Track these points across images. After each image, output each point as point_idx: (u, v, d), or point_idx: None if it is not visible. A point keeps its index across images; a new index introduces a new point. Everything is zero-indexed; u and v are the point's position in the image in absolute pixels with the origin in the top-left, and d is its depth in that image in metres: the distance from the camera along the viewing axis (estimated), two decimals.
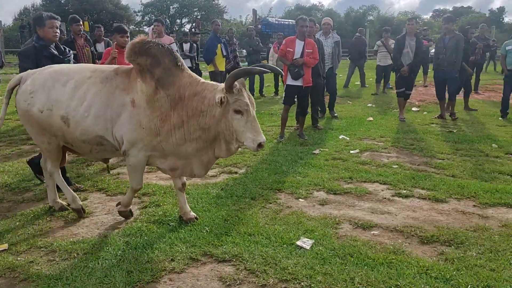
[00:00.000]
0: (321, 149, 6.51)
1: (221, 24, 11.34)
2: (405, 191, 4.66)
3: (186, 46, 11.21)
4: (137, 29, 41.27)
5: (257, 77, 13.29)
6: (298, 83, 6.96)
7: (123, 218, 3.96)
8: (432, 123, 8.75)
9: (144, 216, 3.99)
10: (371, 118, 9.13)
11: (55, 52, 4.48)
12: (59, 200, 4.24)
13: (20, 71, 4.27)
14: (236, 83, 3.21)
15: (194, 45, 11.62)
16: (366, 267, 3.07)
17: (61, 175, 4.09)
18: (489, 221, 3.91)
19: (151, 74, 3.39)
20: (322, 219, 3.94)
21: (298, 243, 3.43)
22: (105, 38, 9.25)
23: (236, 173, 5.39)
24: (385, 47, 12.92)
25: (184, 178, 3.88)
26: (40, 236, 3.65)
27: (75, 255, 3.29)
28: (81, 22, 7.25)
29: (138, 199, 4.49)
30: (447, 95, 9.20)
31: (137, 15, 46.22)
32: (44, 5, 37.86)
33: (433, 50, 16.91)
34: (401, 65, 8.60)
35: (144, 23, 44.59)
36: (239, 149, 3.68)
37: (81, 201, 4.40)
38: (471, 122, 8.84)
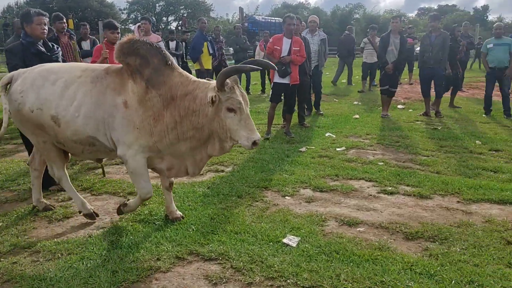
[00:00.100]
0: (308, 147, 6.53)
1: (207, 22, 11.30)
2: (390, 188, 4.70)
3: (172, 44, 11.15)
4: (123, 27, 40.92)
5: (243, 74, 13.28)
6: (285, 81, 6.97)
7: (111, 219, 3.93)
8: (417, 121, 8.84)
9: (130, 216, 3.95)
10: (357, 116, 9.19)
11: (43, 49, 4.42)
12: (43, 200, 4.18)
13: (9, 69, 4.20)
14: (228, 80, 3.17)
15: (180, 43, 11.58)
16: (351, 264, 3.09)
17: (69, 180, 3.95)
18: (472, 217, 3.96)
19: (141, 74, 3.35)
20: (308, 217, 3.95)
21: (284, 240, 3.43)
22: (90, 36, 9.14)
23: (222, 171, 5.38)
24: (372, 45, 13.02)
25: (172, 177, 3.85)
26: (23, 236, 3.60)
27: (59, 256, 3.26)
28: (64, 20, 7.15)
29: (123, 198, 4.45)
30: (432, 93, 9.30)
31: (122, 13, 45.87)
32: (28, 3, 37.35)
33: (418, 48, 17.11)
34: (386, 63, 8.69)
35: (129, 21, 44.26)
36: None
37: (66, 200, 4.37)
38: (455, 119, 8.94)
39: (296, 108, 7.99)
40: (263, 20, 34.96)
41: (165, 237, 3.51)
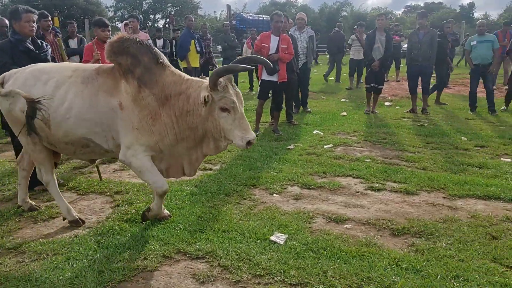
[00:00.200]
0: (296, 144, 6.54)
1: (194, 20, 11.25)
2: (377, 185, 4.73)
3: (160, 42, 11.08)
4: (109, 25, 40.48)
5: None
6: (273, 78, 6.98)
7: (97, 219, 3.89)
8: (404, 117, 8.91)
9: (117, 215, 3.93)
10: (344, 113, 9.23)
11: (31, 47, 4.35)
12: (29, 200, 4.13)
13: None
14: (221, 79, 3.12)
15: (168, 41, 11.51)
16: (338, 260, 3.10)
17: (57, 185, 3.87)
18: (458, 213, 4.00)
19: (132, 73, 3.30)
20: (296, 214, 3.96)
21: (272, 238, 3.43)
22: (78, 34, 9.06)
23: (210, 169, 5.36)
24: (359, 42, 13.07)
25: None
26: (8, 237, 3.56)
27: (45, 256, 3.22)
28: (49, 18, 7.06)
29: (110, 197, 4.43)
30: (419, 90, 9.38)
31: (109, 10, 45.44)
32: (13, 0, 36.81)
33: (405, 46, 17.23)
34: (372, 60, 8.76)
35: (116, 18, 43.86)
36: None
37: (52, 200, 4.32)
38: (441, 116, 9.03)
39: (284, 105, 8.01)
40: (250, 17, 34.95)
41: (152, 236, 3.49)
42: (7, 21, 4.32)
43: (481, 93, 9.94)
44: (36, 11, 4.46)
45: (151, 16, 48.26)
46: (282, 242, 3.37)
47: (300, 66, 8.84)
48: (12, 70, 3.73)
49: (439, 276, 2.89)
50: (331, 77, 15.83)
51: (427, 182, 4.77)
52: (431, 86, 10.24)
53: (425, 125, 8.02)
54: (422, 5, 62.76)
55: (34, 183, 4.44)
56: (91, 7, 38.69)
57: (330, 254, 3.19)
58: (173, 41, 11.27)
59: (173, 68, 3.45)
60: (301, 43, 8.90)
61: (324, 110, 9.75)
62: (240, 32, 27.90)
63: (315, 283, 2.83)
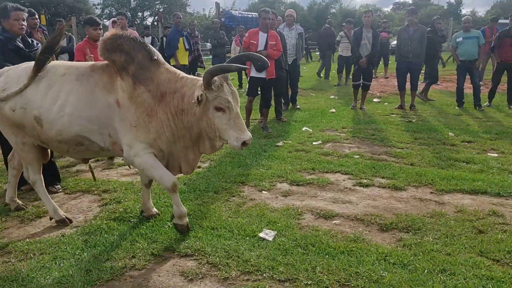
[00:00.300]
0: (285, 141, 6.55)
1: (183, 18, 11.19)
2: (365, 181, 4.75)
3: (148, 40, 11.03)
4: (101, 23, 40.13)
5: None
6: (262, 75, 6.98)
7: (84, 218, 3.86)
8: (393, 114, 8.96)
9: (104, 214, 3.90)
10: (333, 110, 9.25)
11: (21, 45, 4.28)
12: (17, 200, 4.08)
13: None
14: (216, 78, 3.04)
15: (156, 38, 11.46)
16: (327, 256, 3.12)
17: (43, 185, 3.81)
18: (445, 207, 4.04)
19: (126, 70, 3.25)
20: (285, 210, 3.97)
21: (261, 235, 3.44)
22: (66, 33, 8.97)
23: (199, 167, 5.34)
24: (347, 38, 13.13)
25: None
26: None
27: (32, 256, 3.19)
28: (37, 16, 6.97)
29: (98, 196, 4.40)
30: (408, 86, 9.45)
31: (96, 8, 44.94)
32: None
33: (393, 42, 17.32)
34: (360, 57, 8.81)
35: (104, 16, 43.45)
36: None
37: (38, 200, 4.27)
38: (429, 112, 9.09)
39: (273, 102, 8.01)
40: (239, 15, 34.85)
41: (140, 234, 3.48)
42: None
43: (468, 89, 10.03)
44: (25, 9, 4.39)
45: (139, 14, 47.87)
46: (270, 239, 3.38)
47: (289, 63, 8.86)
48: (5, 68, 3.67)
49: (426, 270, 2.92)
50: (322, 74, 15.86)
51: (415, 178, 4.80)
52: (421, 82, 10.34)
53: (413, 121, 8.07)
54: (410, 2, 62.99)
55: (21, 182, 4.38)
56: (78, 5, 38.23)
57: (319, 250, 3.20)
58: (164, 39, 11.22)
59: (168, 65, 3.40)
60: (291, 40, 8.91)
61: (313, 107, 9.77)
62: (229, 29, 27.81)
63: (304, 279, 2.84)
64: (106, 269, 2.97)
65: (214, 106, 3.07)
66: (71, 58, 7.89)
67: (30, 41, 4.45)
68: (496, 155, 5.79)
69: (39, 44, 4.62)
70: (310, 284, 2.79)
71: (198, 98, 3.00)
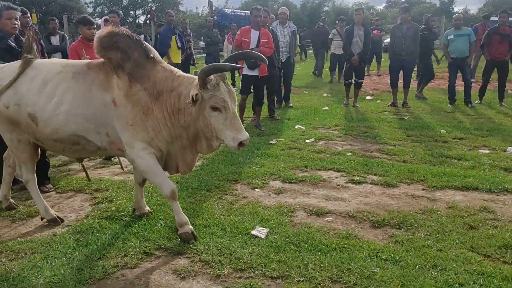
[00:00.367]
0: (278, 139, 6.55)
1: (175, 15, 11.17)
2: (358, 178, 4.77)
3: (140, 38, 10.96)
4: (95, 23, 39.88)
5: None
6: (255, 73, 6.97)
7: (76, 217, 3.84)
8: (385, 111, 8.99)
9: (96, 213, 3.89)
10: (326, 108, 9.27)
11: (13, 45, 4.23)
12: (10, 198, 4.05)
13: None
14: (212, 76, 2.97)
15: (148, 37, 11.42)
16: (319, 253, 3.12)
17: (36, 184, 3.76)
18: (437, 204, 4.06)
19: (123, 68, 3.21)
20: (278, 208, 3.97)
21: (253, 232, 3.44)
22: (59, 32, 8.92)
23: None
24: (340, 36, 13.13)
25: None
26: None
27: (23, 255, 3.17)
28: (28, 14, 6.91)
29: (90, 195, 4.38)
30: (401, 84, 9.48)
31: (88, 6, 44.70)
32: None
33: (386, 40, 17.37)
34: (352, 55, 8.84)
35: (96, 14, 43.18)
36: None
37: (30, 199, 4.24)
38: (421, 109, 9.13)
39: (266, 100, 8.01)
40: (232, 13, 34.79)
41: (132, 233, 3.47)
42: None
43: (460, 86, 10.08)
44: (18, 8, 4.33)
45: (132, 12, 47.66)
46: (263, 236, 3.38)
47: (283, 61, 8.86)
48: (1, 65, 3.63)
49: (417, 266, 2.93)
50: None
51: (407, 175, 4.82)
52: (413, 80, 10.38)
53: (406, 118, 8.11)
54: (403, 0, 63.31)
55: (14, 182, 4.35)
56: (70, 3, 37.97)
57: (311, 247, 3.21)
58: (157, 36, 11.19)
59: (164, 64, 3.35)
60: (284, 38, 8.92)
61: (306, 105, 9.78)
62: (222, 27, 27.75)
63: (296, 275, 2.85)
64: (97, 268, 2.96)
65: (210, 106, 3.01)
66: (64, 57, 7.84)
67: (24, 40, 4.40)
68: (487, 151, 5.83)
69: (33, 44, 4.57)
70: (302, 281, 2.79)
71: (193, 98, 2.95)
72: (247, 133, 3.03)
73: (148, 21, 31.81)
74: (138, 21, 41.31)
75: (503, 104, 9.38)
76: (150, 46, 3.36)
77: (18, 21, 4.23)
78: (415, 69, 10.84)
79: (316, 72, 15.66)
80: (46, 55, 7.17)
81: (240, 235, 3.41)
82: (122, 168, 5.07)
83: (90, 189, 4.52)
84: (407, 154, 5.67)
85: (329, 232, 3.48)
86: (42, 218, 3.76)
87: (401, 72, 9.34)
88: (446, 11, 49.29)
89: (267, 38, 6.93)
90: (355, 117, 8.27)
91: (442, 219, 3.69)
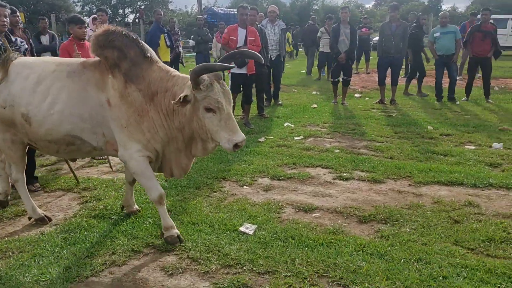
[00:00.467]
0: (267, 137, 6.58)
1: (164, 14, 11.14)
2: (345, 174, 4.81)
3: None
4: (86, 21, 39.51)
5: None
6: (243, 71, 7.00)
7: (64, 215, 3.84)
8: (373, 108, 9.06)
9: (84, 211, 3.89)
10: (315, 105, 9.31)
11: (0, 42, 4.20)
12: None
13: None
14: (206, 76, 2.90)
15: (138, 36, 11.37)
16: (306, 248, 3.16)
17: (25, 184, 3.73)
18: (422, 199, 4.12)
19: (119, 68, 3.16)
20: (266, 205, 4.00)
21: (241, 229, 3.46)
22: (49, 31, 8.86)
23: None
24: (328, 34, 13.19)
25: None
26: None
27: (10, 254, 3.17)
28: (18, 13, 6.84)
29: (78, 194, 4.38)
30: (388, 81, 9.57)
31: (76, 5, 44.34)
32: None
33: (375, 38, 17.50)
34: (338, 53, 8.89)
35: (84, 13, 42.83)
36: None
37: (18, 198, 4.22)
38: (409, 106, 9.22)
39: (254, 99, 8.03)
40: (222, 12, 34.70)
41: (120, 231, 3.48)
42: None
43: (447, 83, 10.17)
44: (7, 5, 4.29)
45: (120, 11, 47.39)
46: (251, 233, 3.41)
47: (273, 59, 8.89)
48: None
49: (402, 260, 2.98)
50: (302, 70, 15.96)
51: (393, 171, 4.88)
52: (401, 77, 10.46)
53: (394, 115, 8.18)
54: None
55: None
56: (58, 2, 37.61)
57: (298, 243, 3.24)
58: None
59: (161, 64, 3.31)
60: (274, 36, 8.96)
61: (295, 102, 9.82)
62: (212, 26, 27.71)
63: (283, 271, 2.88)
64: (85, 266, 2.97)
65: (204, 107, 2.94)
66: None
67: (14, 39, 4.38)
68: (473, 147, 5.91)
69: (23, 42, 4.54)
70: (289, 276, 2.83)
71: (181, 99, 2.88)
72: (243, 135, 2.96)
73: (137, 20, 31.63)
74: (127, 20, 41.15)
75: (489, 100, 9.50)
76: (147, 45, 3.31)
77: (7, 18, 4.19)
78: (403, 66, 10.93)
79: (304, 71, 15.73)
80: (35, 54, 7.13)
81: (228, 232, 3.43)
82: (110, 166, 5.07)
83: (78, 188, 4.51)
84: (394, 151, 5.73)
85: (316, 228, 3.51)
86: (29, 218, 3.75)
87: (389, 70, 9.42)
88: (435, 9, 49.67)
89: (254, 36, 6.96)
90: (344, 115, 8.33)
91: (427, 213, 3.75)
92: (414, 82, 11.06)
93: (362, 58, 15.97)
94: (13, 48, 4.26)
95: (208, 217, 3.72)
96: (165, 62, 9.89)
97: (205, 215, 3.77)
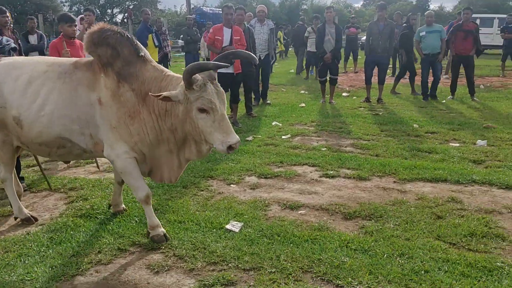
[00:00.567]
0: (254, 136, 6.61)
1: (153, 14, 11.13)
2: (332, 172, 4.86)
3: None
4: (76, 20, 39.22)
5: None
6: (229, 70, 7.02)
7: (50, 215, 3.84)
8: (360, 107, 9.14)
9: (71, 211, 3.89)
10: (303, 104, 9.37)
11: None
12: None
13: None
14: (199, 76, 2.86)
15: None
16: (291, 245, 3.20)
17: (13, 184, 3.69)
18: (406, 195, 4.18)
19: (112, 66, 3.12)
20: (252, 203, 4.03)
21: (228, 226, 3.49)
22: (37, 31, 8.81)
23: None
24: (315, 34, 13.26)
25: None
26: None
27: None
28: (7, 14, 6.78)
29: (64, 194, 4.37)
30: (375, 80, 9.66)
31: (64, 5, 44.01)
32: None
33: (363, 38, 17.60)
34: (324, 53, 8.94)
35: (72, 13, 42.51)
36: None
37: (4, 198, 4.21)
38: (395, 105, 9.31)
39: (242, 98, 8.06)
40: (211, 11, 34.69)
41: (107, 230, 3.48)
42: None
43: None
44: None
45: (109, 11, 47.13)
46: (237, 230, 3.44)
47: (262, 58, 8.92)
48: None
49: (385, 255, 3.03)
50: (291, 69, 16.02)
51: (379, 168, 4.94)
52: (389, 76, 10.55)
53: (380, 114, 8.26)
54: None
55: None
56: (45, 2, 37.30)
57: (284, 239, 3.28)
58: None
59: (155, 63, 3.28)
60: (263, 35, 9.00)
61: (283, 102, 9.86)
62: (200, 26, 27.69)
63: (268, 267, 2.91)
64: (71, 264, 2.98)
65: (197, 107, 2.88)
66: None
67: (0, 39, 4.35)
68: (457, 144, 6.00)
69: (10, 41, 4.51)
70: (274, 272, 2.86)
71: (164, 96, 2.85)
72: (237, 136, 2.90)
73: (125, 20, 31.44)
74: (115, 20, 40.90)
75: (474, 98, 9.62)
76: (140, 44, 3.28)
77: None
78: (390, 66, 11.03)
79: (292, 71, 15.81)
80: (23, 54, 7.08)
81: (214, 230, 3.46)
82: (98, 167, 5.07)
83: (65, 188, 4.50)
84: (380, 148, 5.79)
85: (302, 225, 3.55)
86: (15, 218, 3.74)
87: (376, 69, 9.51)
88: (422, 9, 50.05)
89: (239, 35, 6.99)
90: (331, 113, 8.39)
91: (411, 210, 3.81)
92: (402, 81, 11.17)
93: (350, 57, 16.08)
94: (2, 48, 4.24)
95: (194, 215, 3.74)
96: None
97: (192, 213, 3.79)
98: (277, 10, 49.27)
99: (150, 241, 3.27)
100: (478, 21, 21.76)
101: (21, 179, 4.59)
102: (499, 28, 16.92)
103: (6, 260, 3.05)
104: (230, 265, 2.96)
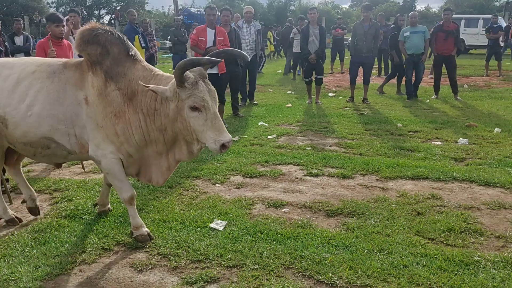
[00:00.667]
0: (240, 136, 6.66)
1: (141, 15, 11.13)
2: (316, 171, 4.93)
3: None
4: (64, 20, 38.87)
5: None
6: (214, 71, 7.04)
7: (32, 216, 3.84)
8: (346, 107, 9.23)
9: (55, 212, 3.90)
10: (289, 105, 9.43)
11: None
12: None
13: None
14: (191, 74, 2.85)
15: None
16: (274, 242, 3.25)
17: None
18: (388, 193, 4.26)
19: (101, 65, 3.11)
20: (237, 201, 4.08)
21: (212, 225, 3.53)
22: (23, 32, 8.78)
23: None
24: (300, 35, 13.37)
25: None
26: None
27: None
28: None
29: (49, 195, 4.38)
30: (360, 80, 9.76)
31: (50, 6, 43.61)
32: None
33: (350, 38, 17.76)
34: (309, 53, 9.02)
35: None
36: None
37: None
38: (380, 105, 9.43)
39: (228, 98, 8.10)
40: (198, 12, 34.65)
41: (91, 230, 3.51)
42: None
43: (423, 83, 10.45)
44: None
45: (96, 12, 46.82)
46: (221, 229, 3.48)
47: (249, 60, 8.95)
48: None
49: (366, 251, 3.10)
50: (279, 70, 16.10)
51: (362, 166, 5.01)
52: (374, 76, 10.64)
53: (365, 113, 8.36)
54: None
55: None
56: (31, 4, 36.93)
57: (267, 237, 3.33)
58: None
59: (145, 63, 3.25)
60: (250, 36, 9.06)
61: (270, 102, 9.92)
62: (188, 27, 27.67)
63: (251, 264, 2.96)
64: (55, 264, 3.00)
65: (189, 106, 2.85)
66: None
67: None
68: (439, 143, 6.11)
69: None
70: (257, 269, 2.91)
71: (152, 90, 2.86)
72: (229, 135, 2.89)
73: (112, 21, 31.30)
74: (103, 21, 40.64)
75: (458, 98, 9.77)
76: (131, 44, 3.28)
77: None
78: (375, 66, 11.15)
79: (280, 71, 15.90)
80: (10, 56, 7.06)
81: (198, 229, 3.50)
82: (83, 167, 5.07)
83: (50, 189, 4.51)
84: (364, 147, 5.87)
85: (285, 223, 3.61)
86: (0, 219, 3.74)
87: (361, 70, 9.62)
88: (409, 10, 50.51)
89: (223, 36, 7.04)
90: (317, 113, 8.47)
91: (392, 206, 3.89)
92: (390, 81, 11.31)
93: (336, 58, 16.21)
94: None
95: (179, 214, 3.78)
96: None
97: (177, 212, 3.82)
98: (265, 11, 49.37)
99: (134, 241, 3.30)
100: (463, 22, 22.11)
101: (6, 180, 4.58)
102: (484, 29, 17.21)
103: None
104: (213, 262, 3.00)
